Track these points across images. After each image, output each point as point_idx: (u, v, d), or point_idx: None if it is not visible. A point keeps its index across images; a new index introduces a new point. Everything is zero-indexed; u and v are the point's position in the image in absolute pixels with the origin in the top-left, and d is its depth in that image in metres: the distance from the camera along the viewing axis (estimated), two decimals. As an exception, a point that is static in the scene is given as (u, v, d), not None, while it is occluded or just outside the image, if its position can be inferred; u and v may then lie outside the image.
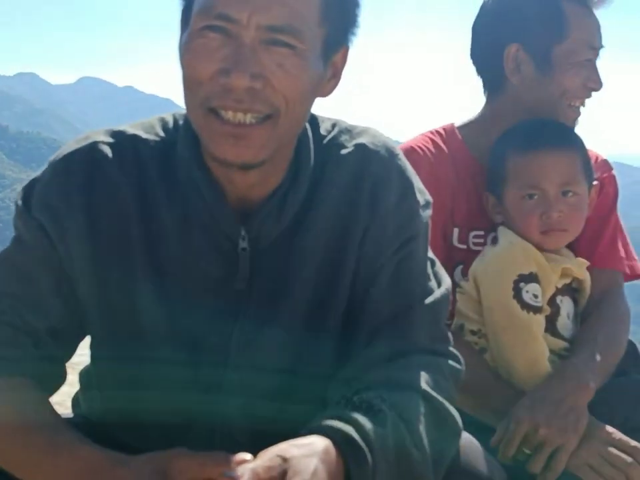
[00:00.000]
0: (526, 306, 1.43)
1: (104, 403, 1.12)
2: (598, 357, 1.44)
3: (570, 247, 1.60)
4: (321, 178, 1.05)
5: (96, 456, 0.87)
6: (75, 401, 1.22)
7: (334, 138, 1.08)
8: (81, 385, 1.22)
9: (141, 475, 0.82)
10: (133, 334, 1.04)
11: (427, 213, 1.10)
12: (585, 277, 1.56)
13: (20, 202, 1.04)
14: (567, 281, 1.54)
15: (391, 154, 1.08)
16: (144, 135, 1.05)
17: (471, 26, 1.65)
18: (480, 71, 1.66)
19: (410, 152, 1.57)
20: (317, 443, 0.84)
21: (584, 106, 1.61)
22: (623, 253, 1.65)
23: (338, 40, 0.99)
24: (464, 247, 1.59)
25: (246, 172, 0.98)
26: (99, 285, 1.02)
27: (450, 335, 1.10)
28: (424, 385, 0.97)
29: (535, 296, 1.44)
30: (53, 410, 1.00)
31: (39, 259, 1.02)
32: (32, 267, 1.02)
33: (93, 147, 1.03)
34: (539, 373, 1.43)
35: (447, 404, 0.98)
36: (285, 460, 0.80)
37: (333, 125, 1.10)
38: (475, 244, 1.59)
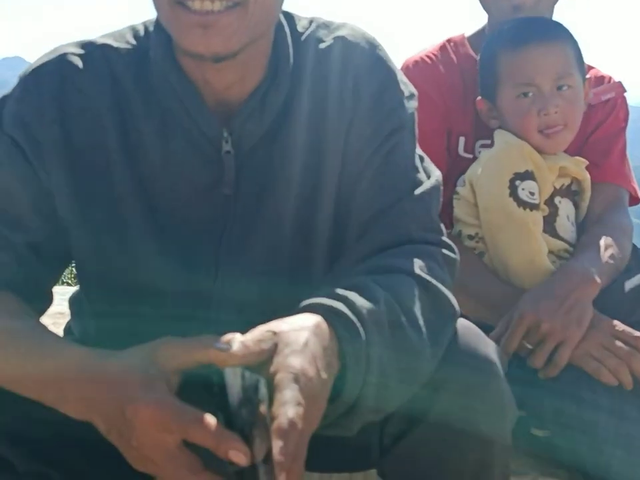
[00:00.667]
0: (522, 203, 1.41)
1: (95, 325, 1.10)
2: (602, 258, 1.42)
3: None
4: (301, 74, 1.02)
5: (82, 352, 0.85)
6: (67, 330, 1.21)
7: (312, 33, 1.04)
8: (71, 311, 1.20)
9: (130, 365, 0.79)
10: (118, 250, 1.01)
11: (412, 104, 1.06)
12: (585, 176, 1.53)
13: None
14: (566, 182, 1.52)
15: (371, 45, 1.04)
16: (115, 44, 1.01)
17: None
18: None
19: (418, 62, 1.57)
20: (307, 318, 0.81)
21: None
22: (628, 174, 1.64)
23: None
24: (470, 156, 1.57)
25: (221, 69, 0.95)
26: (78, 200, 0.99)
27: (442, 226, 1.07)
28: (417, 270, 0.94)
29: (532, 193, 1.42)
30: (38, 319, 0.98)
31: (14, 175, 0.99)
32: (8, 183, 0.99)
33: (63, 59, 0.99)
34: (537, 271, 1.41)
35: (442, 287, 0.95)
36: (274, 334, 0.78)
37: (310, 22, 1.06)
38: (481, 153, 1.56)
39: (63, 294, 1.09)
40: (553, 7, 1.59)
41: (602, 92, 1.62)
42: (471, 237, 1.49)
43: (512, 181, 1.42)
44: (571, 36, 1.50)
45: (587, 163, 1.54)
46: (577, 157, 1.53)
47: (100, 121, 0.98)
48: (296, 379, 0.73)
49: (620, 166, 1.62)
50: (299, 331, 0.78)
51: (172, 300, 1.02)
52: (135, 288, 1.02)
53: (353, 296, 0.84)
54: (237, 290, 1.02)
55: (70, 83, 0.98)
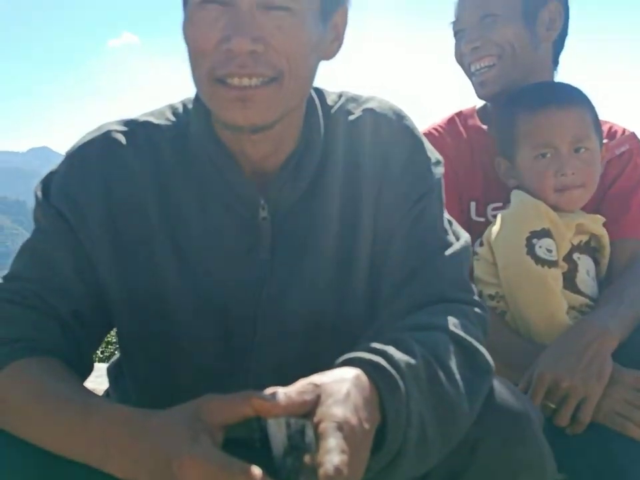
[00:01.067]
0: (540, 260, 1.43)
1: (136, 390, 1.12)
2: (622, 310, 1.40)
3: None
4: (332, 143, 1.07)
5: (127, 412, 0.86)
6: (105, 397, 1.22)
7: (341, 106, 1.10)
8: (110, 379, 1.22)
9: (175, 421, 0.79)
10: (159, 315, 1.04)
11: (439, 170, 1.11)
12: (602, 232, 1.54)
13: (39, 193, 1.05)
14: (584, 238, 1.54)
15: (398, 116, 1.09)
16: (155, 121, 1.07)
17: None
18: None
19: (426, 134, 1.60)
20: (347, 371, 0.83)
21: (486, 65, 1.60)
22: None
23: (335, 0, 1.01)
24: (482, 219, 1.60)
25: (257, 140, 1.00)
26: (120, 268, 1.03)
27: (473, 286, 1.09)
28: (451, 327, 0.96)
29: (549, 250, 1.44)
30: (82, 383, 0.99)
31: (59, 245, 1.03)
32: (53, 253, 1.03)
33: (107, 136, 1.05)
34: (558, 327, 1.41)
35: (476, 343, 0.97)
36: (316, 386, 0.79)
37: (339, 96, 1.12)
38: (493, 216, 1.58)
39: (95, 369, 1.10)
40: (543, 76, 1.64)
41: (616, 146, 1.65)
42: (491, 297, 1.51)
43: (529, 239, 1.44)
44: (588, 101, 1.54)
45: (604, 220, 1.55)
46: (594, 215, 1.55)
47: (142, 193, 1.03)
48: (339, 428, 0.74)
49: (639, 219, 1.62)
50: (340, 382, 0.80)
51: (211, 362, 1.05)
52: (175, 351, 1.05)
53: (391, 350, 0.86)
54: (275, 351, 1.05)
55: (114, 159, 1.04)
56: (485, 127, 1.67)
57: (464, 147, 1.64)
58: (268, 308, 1.04)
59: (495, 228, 1.50)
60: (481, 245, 1.55)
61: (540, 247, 1.44)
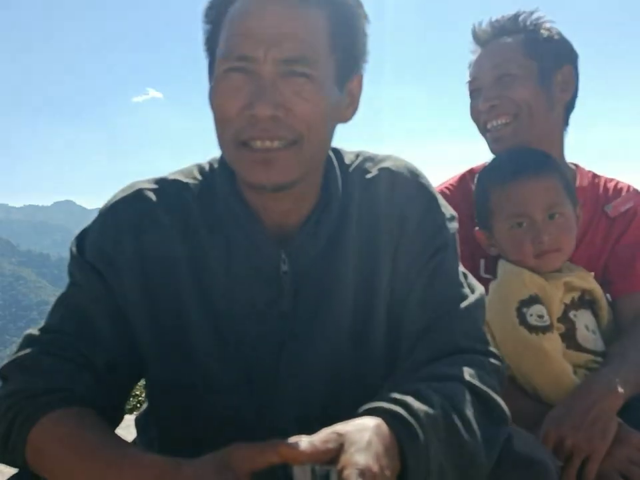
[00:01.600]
0: (533, 328, 1.45)
1: (162, 439, 1.15)
2: (628, 368, 1.41)
3: (602, 271, 1.62)
4: (350, 201, 1.11)
5: (160, 461, 0.89)
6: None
7: (359, 165, 1.15)
8: (137, 428, 1.26)
9: (205, 472, 0.83)
10: (186, 366, 1.08)
11: (454, 225, 1.15)
12: (592, 286, 1.56)
13: (74, 249, 1.11)
14: (576, 294, 1.55)
15: (413, 174, 1.14)
16: (184, 179, 1.13)
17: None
18: None
19: (439, 193, 1.63)
20: (369, 420, 0.87)
21: (502, 123, 1.64)
22: None
23: (350, 67, 1.05)
24: (491, 277, 1.62)
25: (279, 198, 1.06)
26: (152, 319, 1.08)
27: (489, 337, 1.12)
28: (468, 377, 0.99)
29: (540, 316, 1.46)
30: (114, 431, 1.02)
31: (94, 299, 1.07)
32: (88, 306, 1.07)
33: (139, 193, 1.11)
34: (565, 388, 1.41)
35: (492, 393, 1.00)
36: (339, 435, 0.83)
37: (357, 155, 1.18)
38: None
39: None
40: (555, 135, 1.68)
41: (621, 204, 1.68)
42: None
43: (519, 309, 1.47)
44: (558, 167, 1.58)
45: (592, 274, 1.58)
46: (580, 270, 1.57)
47: (172, 248, 1.08)
48: (362, 474, 0.78)
49: None
50: (362, 431, 0.84)
51: (234, 413, 1.08)
52: (200, 401, 1.09)
53: (410, 400, 0.90)
54: (296, 401, 1.08)
55: (145, 215, 1.09)
56: None
57: (473, 205, 1.67)
58: (289, 361, 1.08)
59: (487, 301, 1.51)
60: None
61: (531, 314, 1.46)
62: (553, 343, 1.46)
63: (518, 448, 0.99)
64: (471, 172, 1.76)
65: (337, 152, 1.17)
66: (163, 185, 1.12)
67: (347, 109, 1.08)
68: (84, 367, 1.04)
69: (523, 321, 1.46)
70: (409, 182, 1.13)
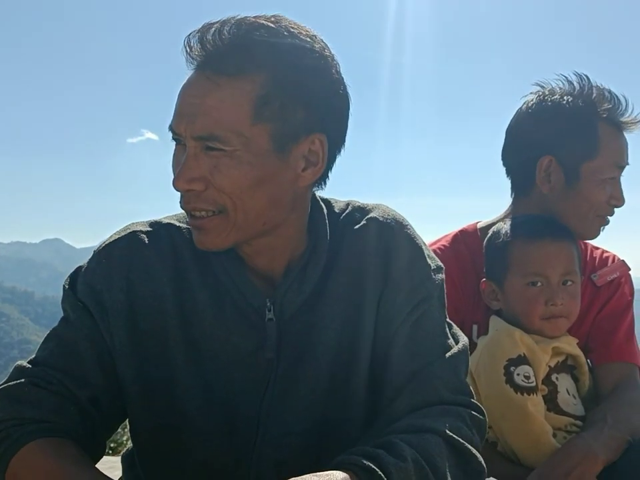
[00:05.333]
0: (519, 388, 1.46)
1: (149, 478, 1.17)
2: (608, 433, 1.41)
3: (585, 338, 1.65)
4: (337, 250, 1.13)
5: None
6: None
7: (348, 215, 1.17)
8: (123, 467, 1.27)
9: None
10: (169, 407, 1.10)
11: (439, 277, 1.16)
12: (577, 352, 1.59)
13: (67, 286, 1.14)
14: (561, 358, 1.58)
15: (400, 225, 1.16)
16: (177, 224, 1.16)
17: (506, 129, 1.73)
18: (510, 173, 1.75)
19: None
20: (338, 474, 0.88)
21: (607, 222, 1.66)
22: (638, 348, 1.67)
23: (295, 131, 1.02)
24: None
25: (249, 252, 1.10)
26: (137, 359, 1.10)
27: (471, 389, 1.13)
28: (445, 429, 1.00)
29: (527, 377, 1.48)
30: (94, 465, 1.03)
31: (83, 336, 1.10)
32: (77, 343, 1.10)
33: (132, 236, 1.13)
34: (544, 451, 1.43)
35: (469, 446, 1.01)
36: None
37: (347, 205, 1.20)
38: None
39: (103, 462, 1.14)
40: None
41: (607, 273, 1.71)
42: None
43: (507, 367, 1.49)
44: (575, 239, 1.63)
45: (577, 340, 1.61)
46: (568, 336, 1.60)
47: (161, 290, 1.10)
48: None
49: (627, 343, 1.65)
50: None
51: (215, 456, 1.10)
52: (181, 443, 1.11)
53: (382, 454, 0.92)
54: (276, 448, 1.09)
55: (137, 257, 1.11)
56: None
57: (468, 268, 1.67)
58: (271, 406, 1.09)
59: (475, 358, 1.54)
60: None
61: (518, 374, 1.48)
62: (536, 405, 1.47)
63: None
64: (463, 232, 1.75)
65: (327, 202, 1.20)
66: (157, 228, 1.15)
67: (304, 172, 1.06)
68: (70, 401, 1.07)
69: (509, 379, 1.47)
70: (395, 232, 1.15)
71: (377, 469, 0.89)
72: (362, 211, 1.18)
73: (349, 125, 1.11)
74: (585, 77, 1.65)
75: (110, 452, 5.57)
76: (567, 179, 1.63)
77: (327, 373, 1.10)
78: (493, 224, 1.71)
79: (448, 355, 1.11)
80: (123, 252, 1.12)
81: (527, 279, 1.56)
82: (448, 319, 1.17)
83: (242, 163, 1.00)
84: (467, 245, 1.73)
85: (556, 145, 1.63)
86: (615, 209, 1.66)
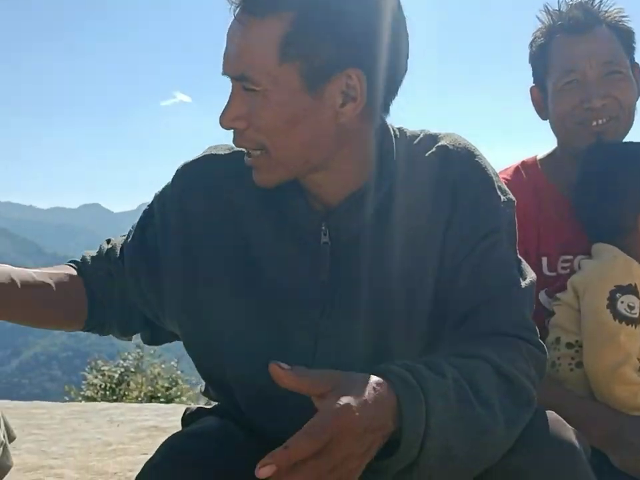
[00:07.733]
0: (618, 316, 1.42)
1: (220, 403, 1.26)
2: None
3: None
4: (404, 177, 1.11)
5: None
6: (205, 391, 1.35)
7: (419, 142, 1.15)
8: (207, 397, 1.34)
9: None
10: (220, 331, 1.13)
11: (510, 211, 1.13)
12: None
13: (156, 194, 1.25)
14: None
15: (471, 154, 1.12)
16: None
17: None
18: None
19: None
20: (369, 377, 0.87)
21: (599, 124, 1.56)
22: None
23: (326, 68, 1.01)
24: (554, 274, 1.59)
25: (311, 178, 1.10)
26: (185, 279, 1.15)
27: (536, 327, 1.09)
28: (497, 358, 0.97)
29: (631, 307, 1.43)
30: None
31: (144, 229, 1.22)
32: (135, 232, 1.23)
33: (205, 159, 1.21)
34: (618, 380, 1.41)
35: (522, 378, 0.98)
36: (334, 377, 0.85)
37: (420, 132, 1.18)
38: (563, 268, 1.59)
39: (156, 409, 1.11)
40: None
41: None
42: (570, 345, 1.50)
43: (612, 293, 1.43)
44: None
45: None
46: None
47: (221, 212, 1.15)
48: (336, 412, 0.79)
49: None
50: (358, 381, 0.85)
51: (269, 384, 1.05)
52: (237, 370, 1.13)
53: (421, 368, 0.90)
54: (333, 369, 1.06)
55: (204, 181, 1.18)
56: (546, 177, 1.67)
57: (532, 201, 1.62)
58: (327, 330, 1.09)
59: (582, 276, 1.51)
60: (548, 295, 1.57)
61: (622, 302, 1.43)
62: (629, 335, 1.42)
63: (545, 430, 0.97)
64: (524, 164, 1.70)
65: (401, 131, 1.17)
66: (231, 154, 1.20)
67: (342, 108, 1.04)
68: (103, 263, 1.27)
69: (611, 305, 1.43)
70: (465, 162, 1.11)
71: (413, 380, 0.87)
72: (433, 138, 1.15)
73: (405, 55, 1.08)
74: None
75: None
76: (546, 102, 1.65)
77: (387, 301, 1.08)
78: (550, 154, 1.70)
79: (514, 289, 1.07)
80: (192, 174, 1.19)
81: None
82: (517, 255, 1.13)
83: (273, 103, 1.01)
84: (528, 176, 1.68)
85: (536, 75, 1.68)
86: (606, 106, 1.55)
